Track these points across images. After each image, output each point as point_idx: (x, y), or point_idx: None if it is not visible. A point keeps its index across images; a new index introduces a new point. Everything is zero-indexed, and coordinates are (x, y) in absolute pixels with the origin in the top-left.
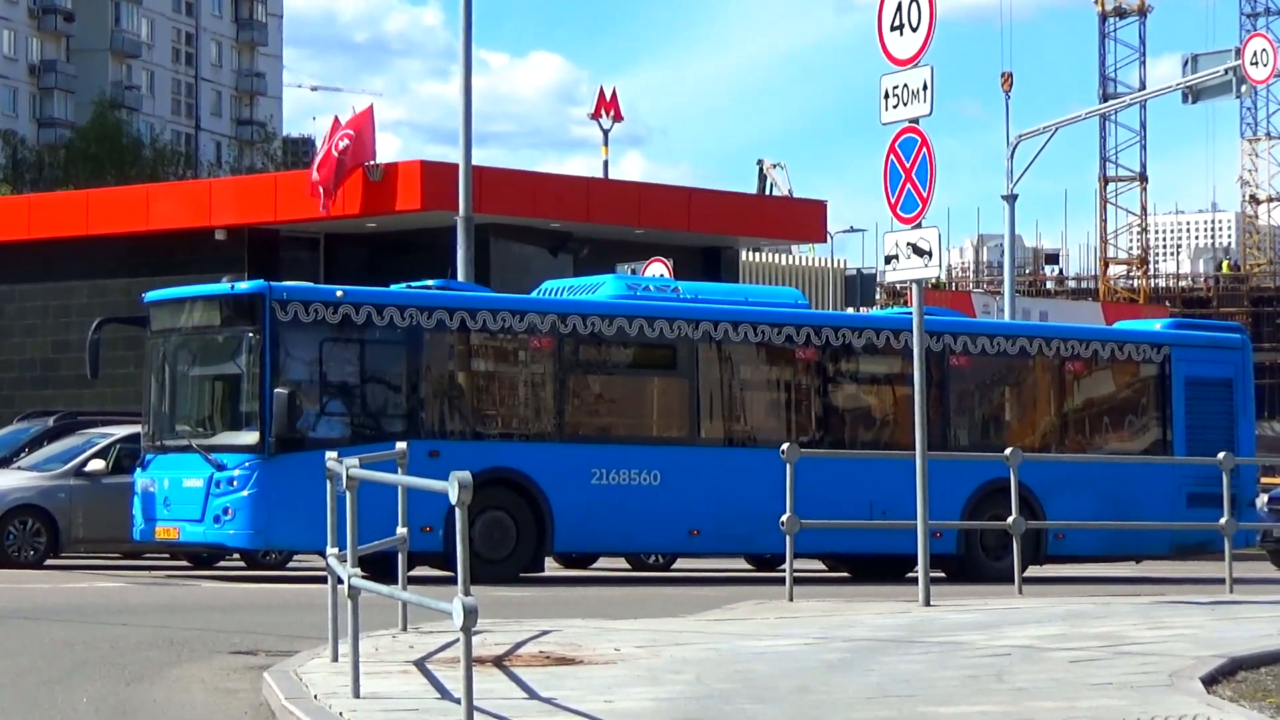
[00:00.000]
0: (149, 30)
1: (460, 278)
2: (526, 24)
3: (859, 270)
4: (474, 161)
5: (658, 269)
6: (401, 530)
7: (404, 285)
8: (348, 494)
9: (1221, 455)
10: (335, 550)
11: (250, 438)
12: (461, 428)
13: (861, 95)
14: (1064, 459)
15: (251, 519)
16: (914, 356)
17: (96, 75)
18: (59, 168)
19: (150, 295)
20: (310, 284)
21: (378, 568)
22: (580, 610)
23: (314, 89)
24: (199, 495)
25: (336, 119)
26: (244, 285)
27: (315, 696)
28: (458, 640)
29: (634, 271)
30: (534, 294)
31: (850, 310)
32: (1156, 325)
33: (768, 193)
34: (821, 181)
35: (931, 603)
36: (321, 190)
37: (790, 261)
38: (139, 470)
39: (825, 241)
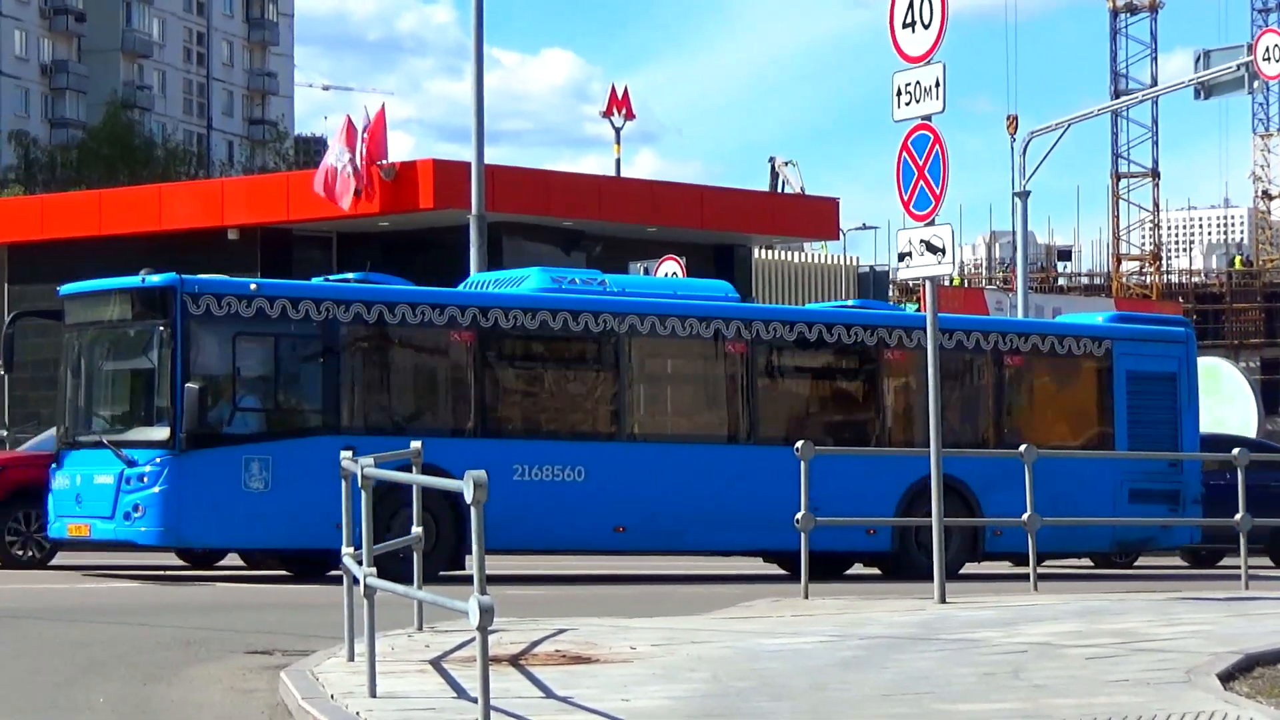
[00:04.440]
0: (160, 30)
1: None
2: (538, 21)
3: (872, 267)
4: (486, 160)
5: (671, 267)
6: (416, 529)
7: (322, 279)
8: (364, 493)
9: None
10: (350, 550)
11: (161, 433)
12: (380, 423)
13: (873, 92)
14: (999, 454)
15: (162, 516)
16: (929, 354)
17: (108, 75)
18: (71, 168)
19: (65, 288)
20: (224, 277)
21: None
22: (596, 608)
23: (326, 88)
24: (110, 492)
25: (349, 120)
26: (155, 278)
27: (332, 696)
28: (474, 639)
29: (646, 271)
30: (460, 287)
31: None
32: (1099, 318)
33: (780, 190)
34: (834, 179)
35: (947, 600)
36: (339, 194)
37: (803, 259)
38: (53, 466)
39: (838, 239)
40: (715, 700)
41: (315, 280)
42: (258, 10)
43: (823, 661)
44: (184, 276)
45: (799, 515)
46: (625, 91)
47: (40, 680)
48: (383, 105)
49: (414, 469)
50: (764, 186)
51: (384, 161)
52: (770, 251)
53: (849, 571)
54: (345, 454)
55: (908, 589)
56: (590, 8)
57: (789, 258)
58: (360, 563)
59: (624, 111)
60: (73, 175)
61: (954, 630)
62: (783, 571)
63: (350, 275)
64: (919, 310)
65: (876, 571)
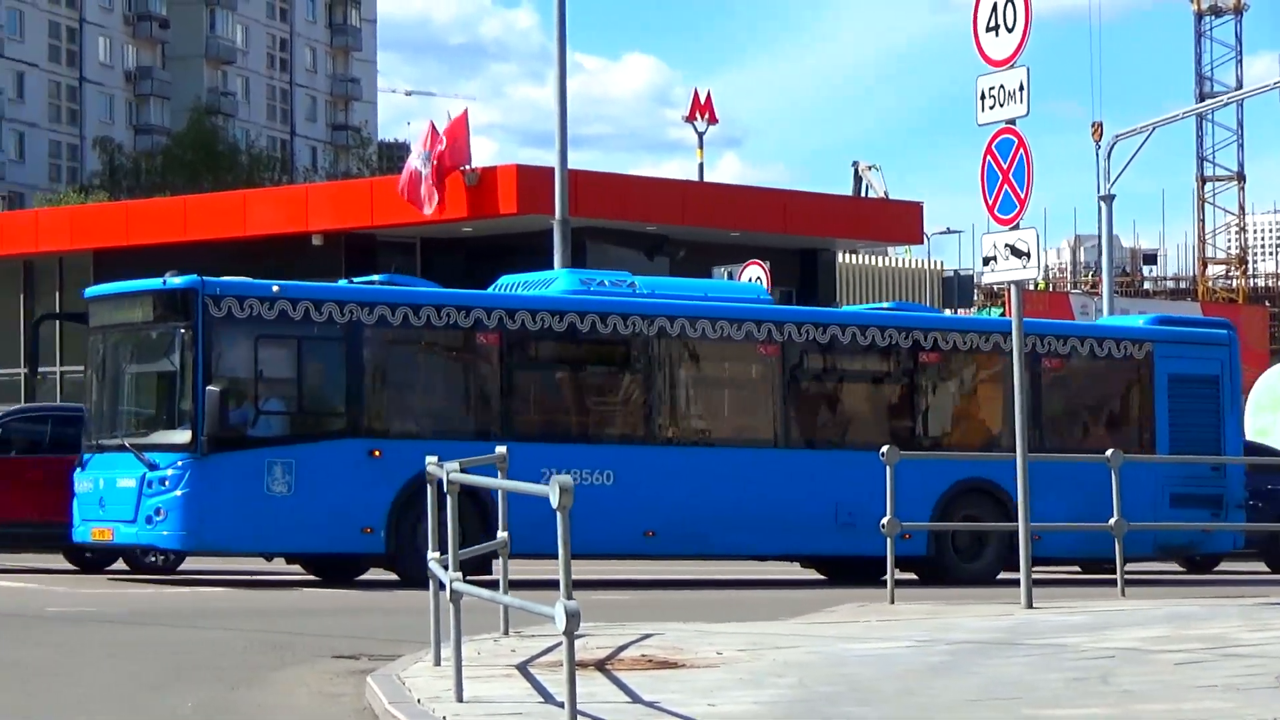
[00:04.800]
0: (243, 36)
1: None
2: (621, 26)
3: (956, 272)
4: (569, 165)
5: (754, 272)
6: (502, 534)
7: (345, 281)
8: (449, 498)
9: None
10: (436, 555)
11: (183, 436)
12: (405, 426)
13: (957, 95)
14: (1039, 458)
15: (184, 520)
16: (1014, 359)
17: (192, 82)
18: (156, 174)
19: (90, 290)
20: (247, 279)
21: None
22: (681, 613)
23: (408, 94)
24: (132, 495)
25: (432, 124)
26: (177, 280)
27: (419, 701)
28: (560, 644)
29: (729, 276)
30: (490, 290)
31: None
32: (1140, 321)
33: (863, 194)
34: (917, 182)
35: (1034, 605)
36: (423, 198)
37: (886, 263)
38: (78, 470)
39: (922, 243)
40: (802, 705)
41: (341, 283)
42: (340, 16)
43: (910, 666)
44: (205, 278)
45: (884, 520)
46: (708, 96)
47: (131, 684)
48: (465, 110)
49: (499, 474)
50: (847, 190)
51: (467, 167)
52: (854, 256)
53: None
54: (431, 459)
55: (987, 594)
56: (673, 12)
57: (873, 262)
58: (446, 568)
59: (707, 116)
60: (157, 181)
61: (1041, 635)
62: (820, 576)
63: (376, 277)
64: (1003, 315)
65: (912, 576)
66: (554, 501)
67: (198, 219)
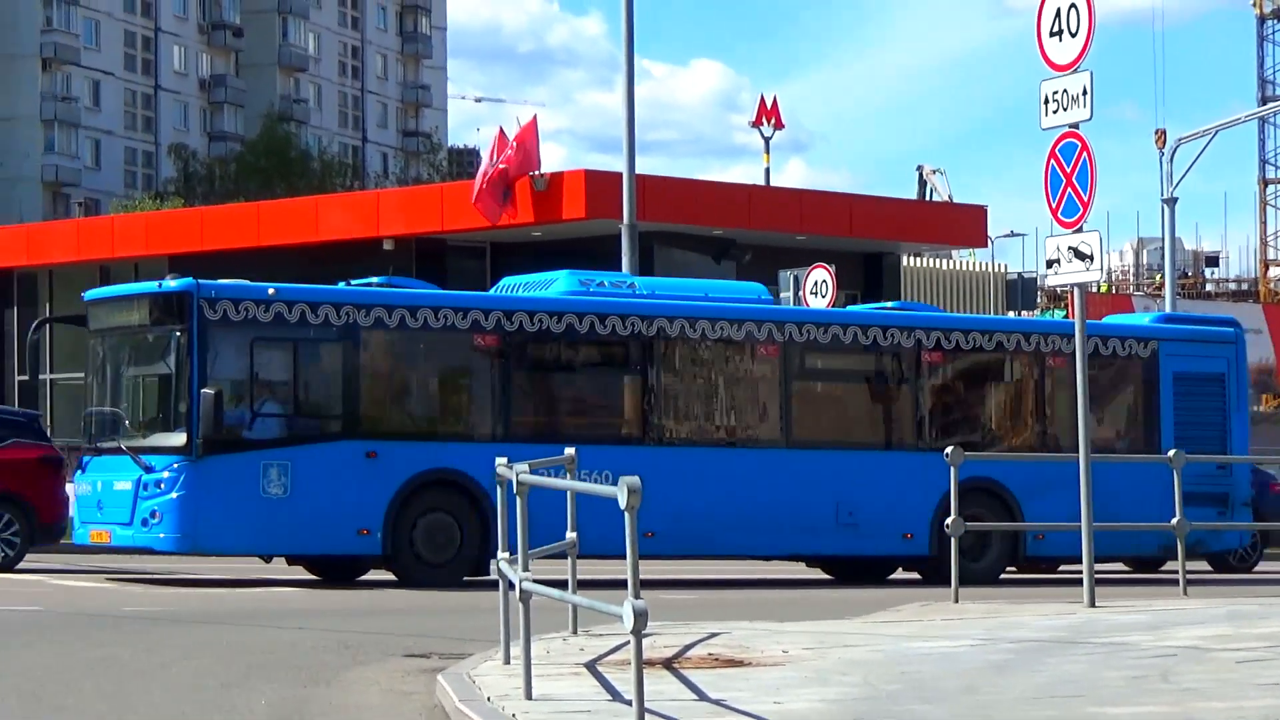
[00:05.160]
0: (316, 44)
1: None
2: (688, 33)
3: (1020, 275)
4: (637, 170)
5: (820, 275)
6: (571, 535)
7: (344, 284)
8: (519, 499)
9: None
10: (505, 555)
11: (178, 439)
12: (402, 428)
13: (1020, 100)
14: (1042, 458)
15: (179, 522)
16: (1076, 360)
17: (265, 89)
18: (230, 180)
19: (89, 294)
20: (243, 282)
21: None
22: (745, 613)
23: (478, 100)
24: (128, 498)
25: (501, 130)
26: (172, 283)
27: (489, 699)
28: (628, 643)
29: (795, 279)
30: (491, 291)
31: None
32: (1146, 320)
33: (927, 198)
34: (981, 186)
35: (1096, 604)
36: (491, 203)
37: (951, 266)
38: (78, 473)
39: (986, 246)
40: (867, 704)
41: (340, 285)
42: (411, 24)
43: (972, 665)
44: (200, 281)
45: (949, 520)
46: (774, 101)
47: (206, 682)
48: (534, 116)
49: (568, 475)
50: (912, 194)
51: (536, 172)
52: (919, 259)
53: (891, 576)
54: (500, 460)
55: (1052, 594)
56: (739, 19)
57: (937, 265)
58: (515, 567)
59: (773, 121)
60: (231, 187)
61: (1103, 634)
62: (827, 576)
63: (375, 279)
64: (1067, 317)
65: (916, 576)
66: (622, 502)
67: (271, 224)
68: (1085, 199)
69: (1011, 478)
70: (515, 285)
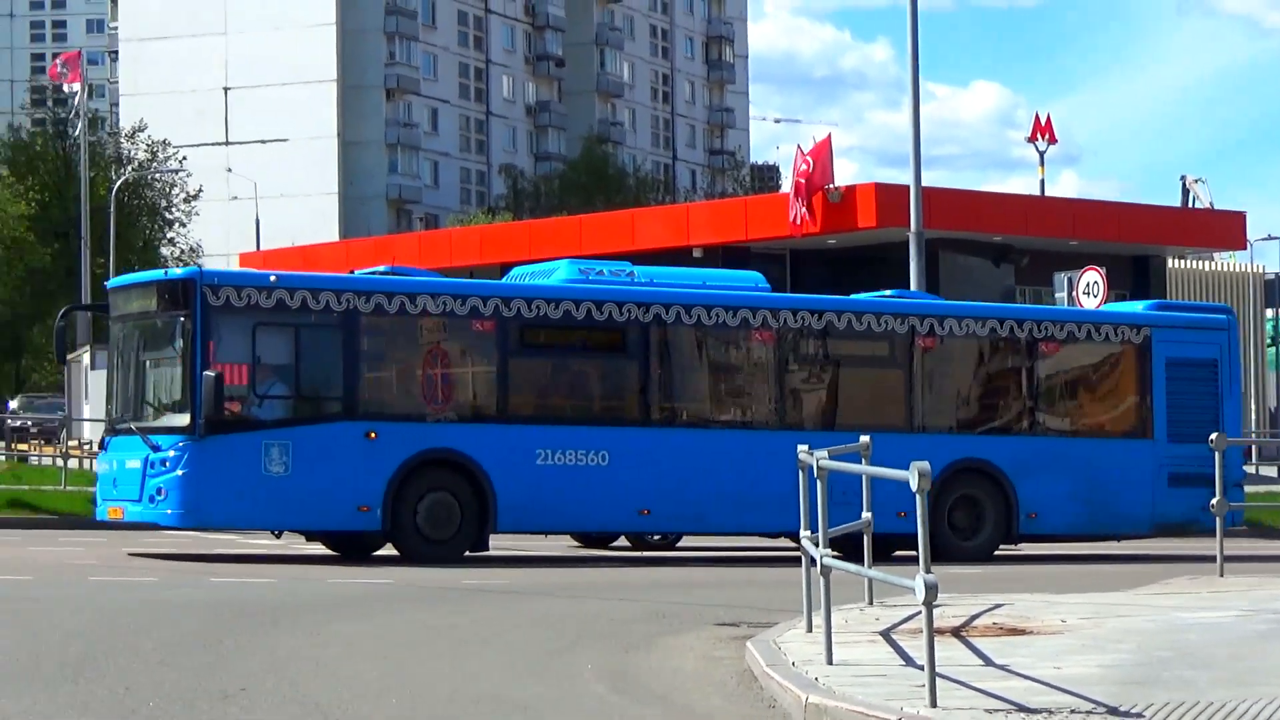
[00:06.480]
0: (630, 73)
1: (913, 288)
2: (968, 57)
3: (1278, 274)
4: (923, 182)
5: (1092, 277)
6: (866, 515)
7: (352, 272)
8: (819, 482)
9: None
10: (808, 533)
11: (183, 420)
12: (400, 410)
13: (1278, 113)
14: (1034, 438)
15: (183, 498)
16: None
17: (585, 113)
18: (554, 196)
19: (110, 282)
20: (245, 269)
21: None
22: (1028, 586)
23: (777, 121)
24: (138, 476)
25: (799, 148)
26: (177, 271)
27: (793, 663)
28: (919, 613)
29: (1070, 280)
30: (503, 281)
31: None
32: (1139, 307)
33: (1190, 205)
34: (1240, 193)
35: None
36: (796, 213)
37: (1212, 268)
38: (100, 452)
39: (1245, 249)
40: (1141, 669)
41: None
42: (716, 53)
43: (1239, 634)
44: (204, 269)
45: (1214, 501)
46: (1048, 118)
47: (535, 649)
48: (828, 135)
49: (863, 460)
50: (1176, 202)
51: (831, 186)
52: (1182, 261)
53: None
54: (802, 448)
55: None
56: (1015, 43)
57: (1200, 266)
58: (817, 545)
59: (1047, 136)
60: (555, 202)
61: None
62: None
63: (379, 268)
64: None
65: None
66: (913, 485)
67: (591, 235)
68: None
69: (1003, 458)
70: (523, 275)
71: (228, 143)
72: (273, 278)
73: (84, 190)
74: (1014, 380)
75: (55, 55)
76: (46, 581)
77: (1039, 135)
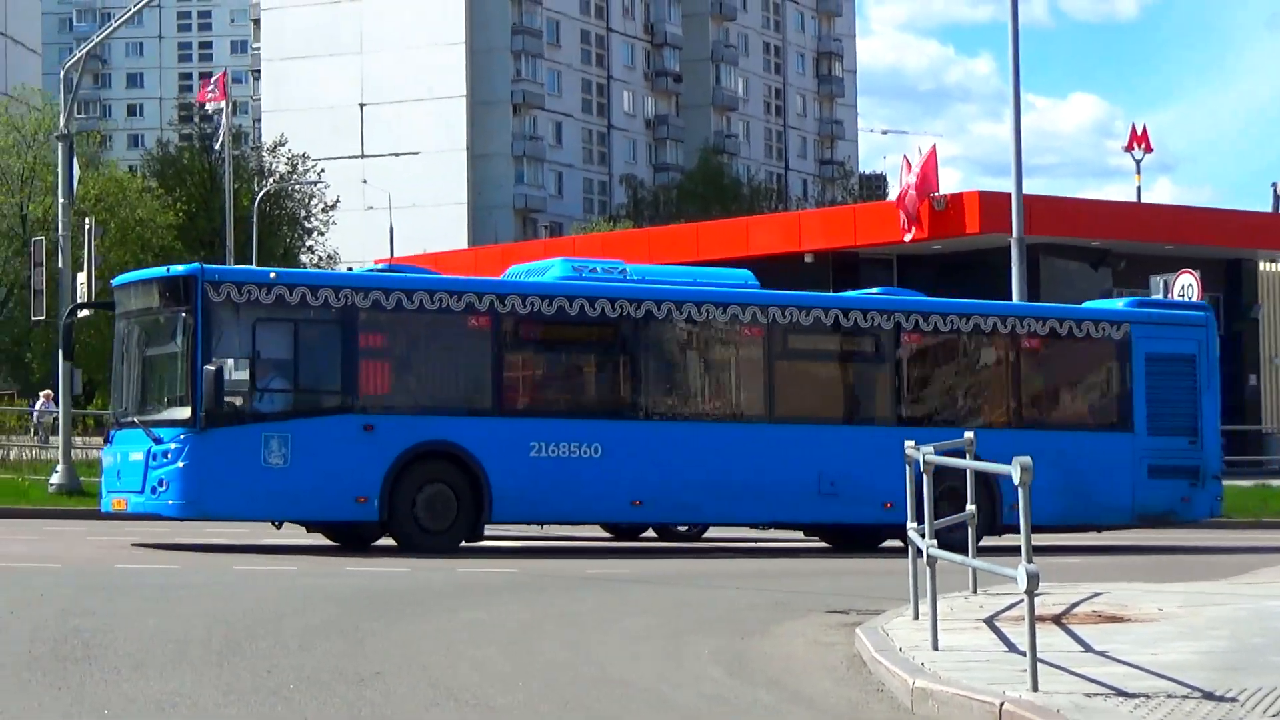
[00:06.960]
0: (744, 87)
1: (1014, 294)
2: (1067, 69)
3: None
4: (1024, 190)
5: (1186, 280)
6: (970, 507)
7: (345, 269)
8: (925, 476)
9: None
10: (915, 525)
11: (184, 413)
12: (398, 403)
13: None
14: (1017, 430)
15: (183, 489)
16: None
17: (701, 126)
18: (672, 205)
19: (116, 279)
20: (245, 266)
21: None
22: (1125, 575)
23: (884, 132)
24: (140, 468)
25: (906, 158)
26: (179, 268)
27: (900, 649)
28: (1021, 601)
29: (1166, 285)
30: (500, 278)
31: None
32: (1119, 304)
33: None
34: None
35: None
36: (905, 219)
37: None
38: (105, 445)
39: None
40: (1235, 655)
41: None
42: (826, 68)
43: None
44: (205, 266)
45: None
46: (1144, 128)
47: (656, 634)
48: (934, 145)
49: (967, 456)
50: (1267, 208)
51: (936, 194)
52: (1273, 264)
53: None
54: (909, 443)
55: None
56: (1112, 56)
57: None
58: (923, 536)
59: (1143, 145)
60: (673, 211)
61: None
62: (826, 544)
63: (378, 265)
64: None
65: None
66: (1015, 479)
67: (708, 242)
68: None
69: (985, 451)
70: (519, 272)
71: (363, 156)
72: (273, 274)
73: (228, 201)
74: (999, 376)
75: (202, 75)
76: (195, 568)
77: (1135, 144)
